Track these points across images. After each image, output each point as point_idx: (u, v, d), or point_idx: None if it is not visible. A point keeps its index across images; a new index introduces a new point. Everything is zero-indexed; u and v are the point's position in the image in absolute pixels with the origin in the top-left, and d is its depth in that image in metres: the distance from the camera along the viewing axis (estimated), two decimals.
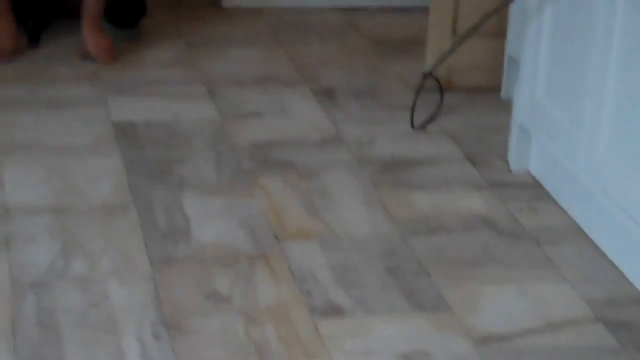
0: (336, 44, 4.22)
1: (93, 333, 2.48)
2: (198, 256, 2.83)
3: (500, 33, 3.66)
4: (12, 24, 3.89)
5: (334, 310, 2.59)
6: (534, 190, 3.20)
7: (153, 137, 3.42)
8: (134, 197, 3.08)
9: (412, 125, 3.52)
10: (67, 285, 2.68)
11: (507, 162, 3.32)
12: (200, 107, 3.64)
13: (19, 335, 2.46)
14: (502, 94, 3.71)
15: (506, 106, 3.52)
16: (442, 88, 3.64)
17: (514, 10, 3.55)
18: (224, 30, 4.28)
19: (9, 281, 2.67)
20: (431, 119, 3.57)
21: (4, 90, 3.65)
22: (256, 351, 2.41)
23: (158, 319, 2.52)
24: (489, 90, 3.76)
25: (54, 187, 3.12)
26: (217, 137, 3.45)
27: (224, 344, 2.45)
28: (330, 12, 4.49)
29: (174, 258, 2.82)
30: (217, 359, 2.40)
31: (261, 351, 2.41)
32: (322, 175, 3.24)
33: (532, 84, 3.19)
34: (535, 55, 3.18)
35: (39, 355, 2.39)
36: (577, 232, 2.99)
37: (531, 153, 3.27)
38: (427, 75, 3.60)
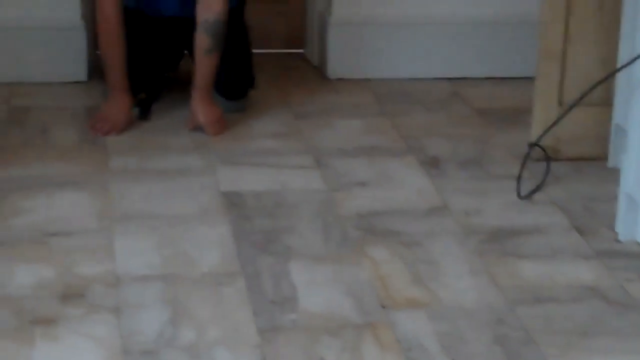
0: (441, 114, 4.22)
1: None
2: (305, 325, 2.83)
3: (606, 102, 3.64)
4: (127, 98, 3.95)
5: None
6: None
7: (261, 206, 3.44)
8: (242, 266, 3.09)
9: (519, 195, 3.51)
10: (176, 353, 2.70)
11: (615, 232, 3.29)
12: (307, 177, 3.65)
13: None
14: (609, 162, 3.68)
15: (613, 175, 3.49)
16: (548, 157, 3.62)
17: (620, 79, 3.52)
18: (330, 100, 4.29)
19: (119, 348, 2.70)
20: (537, 189, 3.55)
21: (117, 161, 3.70)
22: None
23: None
24: (596, 159, 3.73)
25: (164, 256, 3.15)
26: (323, 206, 3.45)
27: None
28: (435, 81, 4.49)
29: (281, 326, 2.82)
30: None
31: None
32: (428, 244, 3.24)
33: (639, 153, 3.17)
34: None
35: None
36: None
37: (639, 222, 3.23)
38: (533, 145, 3.59)
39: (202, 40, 3.87)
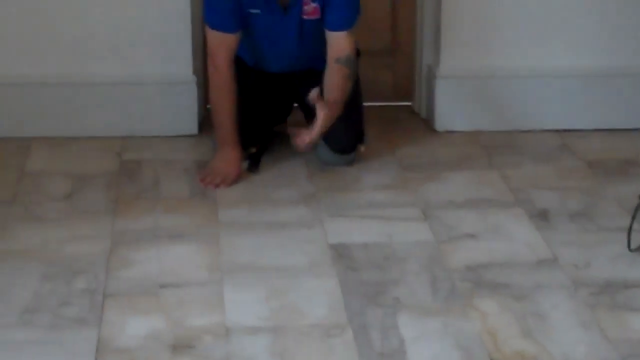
0: (550, 165, 4.20)
1: None
2: None
3: None
4: (237, 152, 3.99)
5: None
6: None
7: (368, 258, 3.45)
8: (350, 318, 3.09)
9: (629, 247, 3.47)
10: None
11: None
12: (414, 229, 3.65)
13: None
14: None
15: None
16: None
17: None
18: (437, 153, 4.30)
19: None
20: None
21: (226, 213, 3.73)
22: None
23: None
24: None
25: (273, 307, 3.16)
26: (431, 258, 3.45)
27: None
28: (544, 133, 4.47)
29: None
30: None
31: None
32: (537, 297, 3.22)
33: None
34: None
35: None
36: None
37: None
38: None
39: (340, 70, 3.89)
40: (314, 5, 3.87)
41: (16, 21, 4.25)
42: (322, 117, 3.83)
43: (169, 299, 3.19)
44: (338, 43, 3.88)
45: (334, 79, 3.89)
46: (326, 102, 3.84)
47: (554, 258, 3.45)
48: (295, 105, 4.25)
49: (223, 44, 3.92)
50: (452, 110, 4.45)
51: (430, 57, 4.49)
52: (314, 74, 3.96)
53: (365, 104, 4.22)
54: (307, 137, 3.88)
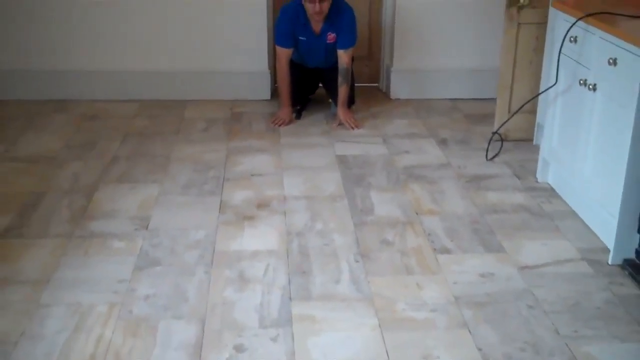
0: (447, 117, 4.14)
1: None
2: (377, 221, 2.82)
3: (532, 110, 3.60)
4: (290, 108, 3.99)
5: None
6: (550, 192, 3.16)
7: (356, 162, 3.45)
8: (346, 192, 3.10)
9: (486, 158, 3.50)
10: (312, 235, 2.71)
11: (536, 177, 3.28)
12: (379, 148, 3.62)
13: None
14: (534, 142, 3.66)
15: (536, 148, 3.48)
16: (502, 139, 3.62)
17: (540, 99, 3.50)
18: (391, 110, 4.25)
19: (285, 232, 2.71)
20: (496, 155, 3.53)
21: (284, 139, 3.73)
22: None
23: None
24: (526, 140, 3.70)
25: (307, 186, 3.17)
26: (387, 162, 3.44)
27: None
28: (445, 100, 4.42)
29: (365, 222, 2.82)
30: None
31: None
32: (439, 182, 3.21)
33: (549, 138, 3.16)
34: (551, 122, 3.15)
35: None
36: (573, 214, 2.94)
37: (549, 172, 3.22)
38: (494, 133, 3.58)
39: (340, 79, 3.89)
40: (332, 34, 3.86)
41: (161, 30, 4.24)
42: (341, 106, 3.86)
43: (256, 181, 3.23)
44: (342, 56, 3.87)
45: (339, 85, 3.89)
46: (338, 103, 3.89)
47: (448, 163, 3.48)
48: (320, 85, 4.23)
49: (283, 53, 3.91)
50: (398, 88, 4.43)
51: (388, 60, 4.47)
52: (332, 68, 3.94)
53: (356, 84, 4.21)
54: (335, 123, 3.87)
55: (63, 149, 3.54)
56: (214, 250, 2.59)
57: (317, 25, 3.83)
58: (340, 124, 3.88)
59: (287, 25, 3.83)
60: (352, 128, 3.84)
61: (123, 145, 3.60)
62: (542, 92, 3.31)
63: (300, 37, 3.87)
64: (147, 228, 2.75)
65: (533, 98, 3.41)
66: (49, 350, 2.05)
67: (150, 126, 3.89)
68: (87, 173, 3.26)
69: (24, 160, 3.39)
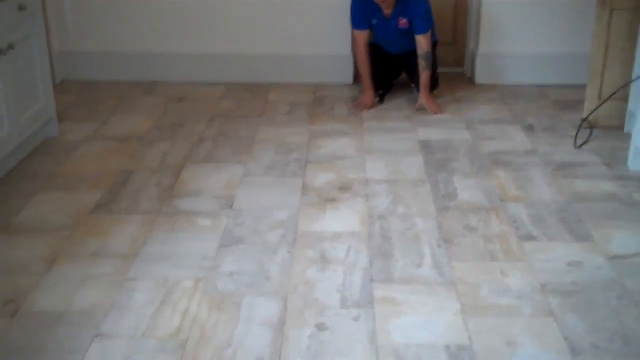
0: (534, 103, 4.06)
1: None
2: (460, 207, 2.79)
3: (625, 98, 3.48)
4: (372, 93, 3.97)
5: None
6: None
7: (439, 147, 3.42)
8: (428, 177, 3.09)
9: (574, 146, 3.40)
10: (394, 218, 2.68)
11: (627, 166, 3.16)
12: (462, 133, 3.58)
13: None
14: (625, 129, 3.53)
15: (627, 136, 3.35)
16: (591, 126, 3.50)
17: (633, 87, 3.37)
18: (475, 95, 4.19)
19: (367, 214, 2.72)
20: (585, 142, 3.43)
21: (367, 123, 3.73)
22: None
23: None
24: (617, 128, 3.57)
25: (389, 170, 3.16)
26: (470, 148, 3.39)
27: None
28: (531, 87, 4.33)
29: (448, 207, 2.80)
30: None
31: None
32: (525, 169, 3.16)
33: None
34: None
35: None
36: None
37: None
38: (584, 119, 3.47)
39: (421, 64, 3.84)
40: (404, 19, 3.81)
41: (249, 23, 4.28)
42: (422, 91, 3.82)
43: (338, 164, 3.23)
44: (420, 41, 3.81)
45: (421, 71, 3.83)
46: (421, 88, 3.83)
47: (534, 150, 3.40)
48: (403, 71, 4.19)
49: (360, 36, 3.90)
50: (484, 73, 4.35)
51: (473, 44, 4.39)
52: (412, 53, 3.89)
53: (440, 69, 4.15)
54: (416, 108, 3.82)
55: (152, 129, 3.63)
56: (296, 231, 2.60)
57: (387, 10, 3.79)
58: (421, 108, 3.82)
59: (359, 6, 3.83)
60: (434, 113, 3.78)
61: (209, 127, 3.65)
62: (636, 79, 3.18)
63: (373, 20, 3.84)
64: (231, 207, 2.78)
65: (626, 85, 3.28)
66: (136, 322, 2.10)
67: (235, 108, 3.94)
68: (175, 153, 3.32)
69: (115, 139, 3.49)
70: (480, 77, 4.33)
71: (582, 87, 3.70)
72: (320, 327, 2.08)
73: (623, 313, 2.14)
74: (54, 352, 1.97)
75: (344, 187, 2.97)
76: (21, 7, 3.11)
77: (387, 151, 3.34)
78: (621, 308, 2.17)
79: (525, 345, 2.00)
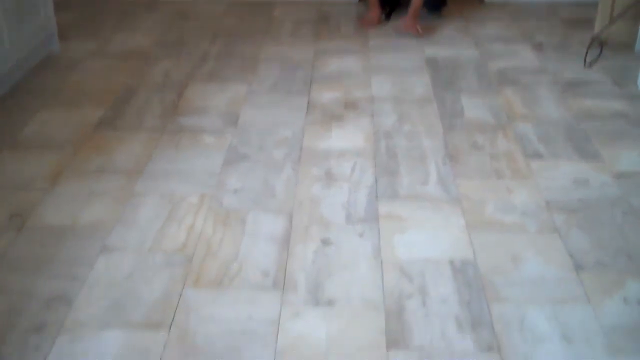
0: (543, 22, 3.99)
1: None
2: (467, 125, 2.79)
3: (636, 17, 3.40)
4: (379, 10, 3.90)
5: None
6: None
7: (446, 65, 3.37)
8: (435, 95, 3.06)
9: (584, 65, 3.35)
10: (400, 137, 2.70)
11: (637, 85, 3.12)
12: (470, 52, 3.53)
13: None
14: (635, 48, 3.47)
15: (637, 55, 3.30)
16: (602, 44, 3.43)
17: None
18: (483, 14, 4.12)
19: (372, 132, 2.69)
20: (595, 61, 3.37)
21: (373, 41, 3.69)
22: None
23: None
24: (628, 46, 3.51)
25: (395, 88, 3.14)
26: (478, 66, 3.36)
27: None
28: (538, 3, 4.25)
29: (454, 125, 2.79)
30: None
31: None
32: (533, 88, 3.12)
33: None
34: None
35: None
36: None
37: None
38: (594, 38, 3.41)
39: None
40: None
41: None
42: (410, 11, 3.73)
43: (343, 82, 3.19)
44: None
45: None
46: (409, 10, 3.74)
47: (543, 68, 3.35)
48: None
49: None
50: None
51: None
52: None
53: None
54: (406, 22, 3.74)
55: (154, 46, 3.57)
56: (301, 148, 2.59)
57: None
58: (402, 32, 3.72)
59: None
60: (417, 35, 3.68)
61: (213, 44, 3.60)
62: None
63: None
64: (236, 125, 2.76)
65: (637, 3, 3.19)
66: (142, 237, 2.11)
67: (239, 26, 3.87)
68: (178, 70, 3.28)
69: (117, 56, 3.44)
70: None
71: (594, 5, 3.62)
72: (326, 242, 2.09)
73: (628, 230, 2.14)
74: (61, 265, 1.98)
75: (350, 105, 2.94)
76: None
77: (393, 69, 3.30)
78: (626, 225, 2.17)
79: (530, 260, 2.01)
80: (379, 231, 2.13)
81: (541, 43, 3.63)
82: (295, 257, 2.03)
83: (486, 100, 3.00)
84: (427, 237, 2.11)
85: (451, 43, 3.63)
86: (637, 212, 2.23)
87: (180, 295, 1.87)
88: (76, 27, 3.82)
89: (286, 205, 2.26)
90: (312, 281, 1.93)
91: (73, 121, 2.78)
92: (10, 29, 3.00)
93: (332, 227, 2.16)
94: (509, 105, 2.95)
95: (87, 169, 2.46)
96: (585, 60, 3.35)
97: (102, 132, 2.71)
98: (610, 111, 2.89)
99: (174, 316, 1.80)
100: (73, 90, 3.07)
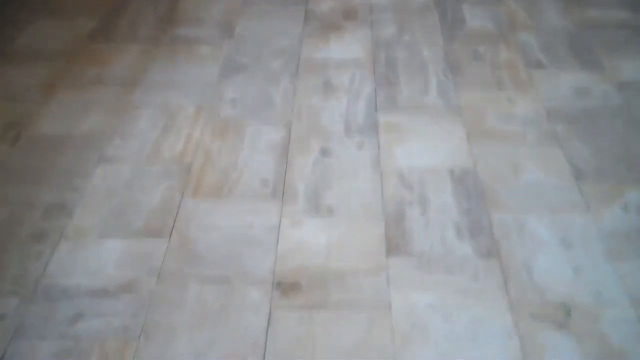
0: None
1: None
2: (468, 34, 2.73)
3: None
4: None
5: None
6: None
7: None
8: (436, 5, 2.97)
9: None
10: (401, 46, 2.65)
11: None
12: None
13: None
14: None
15: None
16: None
17: None
18: None
19: (371, 43, 2.64)
20: None
21: None
22: None
23: None
24: None
25: None
26: None
27: None
28: None
29: (456, 35, 2.74)
30: None
31: None
32: None
33: None
34: None
35: None
36: None
37: None
38: None
39: None
40: None
41: None
42: None
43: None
44: None
45: None
46: None
47: None
48: None
49: None
50: None
51: None
52: None
53: None
54: None
55: None
56: (299, 59, 2.54)
57: None
58: None
59: None
60: None
61: None
62: None
63: None
64: (232, 35, 2.70)
65: None
66: (140, 146, 2.09)
67: None
68: None
69: None
70: None
71: None
72: (325, 152, 2.07)
73: (628, 139, 2.13)
74: (58, 175, 1.97)
75: (348, 15, 2.87)
76: None
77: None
78: (627, 134, 2.15)
79: (530, 169, 2.00)
80: (379, 141, 2.12)
81: None
82: (294, 167, 2.01)
83: (488, 9, 2.93)
84: (427, 147, 2.09)
85: None
86: (638, 122, 2.21)
87: (180, 204, 1.87)
88: None
89: (284, 116, 2.24)
90: (312, 190, 1.92)
91: (65, 32, 2.71)
92: None
93: (331, 138, 2.14)
94: (511, 15, 2.88)
95: (81, 80, 2.42)
96: None
97: (96, 43, 2.65)
98: (614, 21, 2.83)
99: (174, 224, 1.81)
100: (63, 1, 2.98)
